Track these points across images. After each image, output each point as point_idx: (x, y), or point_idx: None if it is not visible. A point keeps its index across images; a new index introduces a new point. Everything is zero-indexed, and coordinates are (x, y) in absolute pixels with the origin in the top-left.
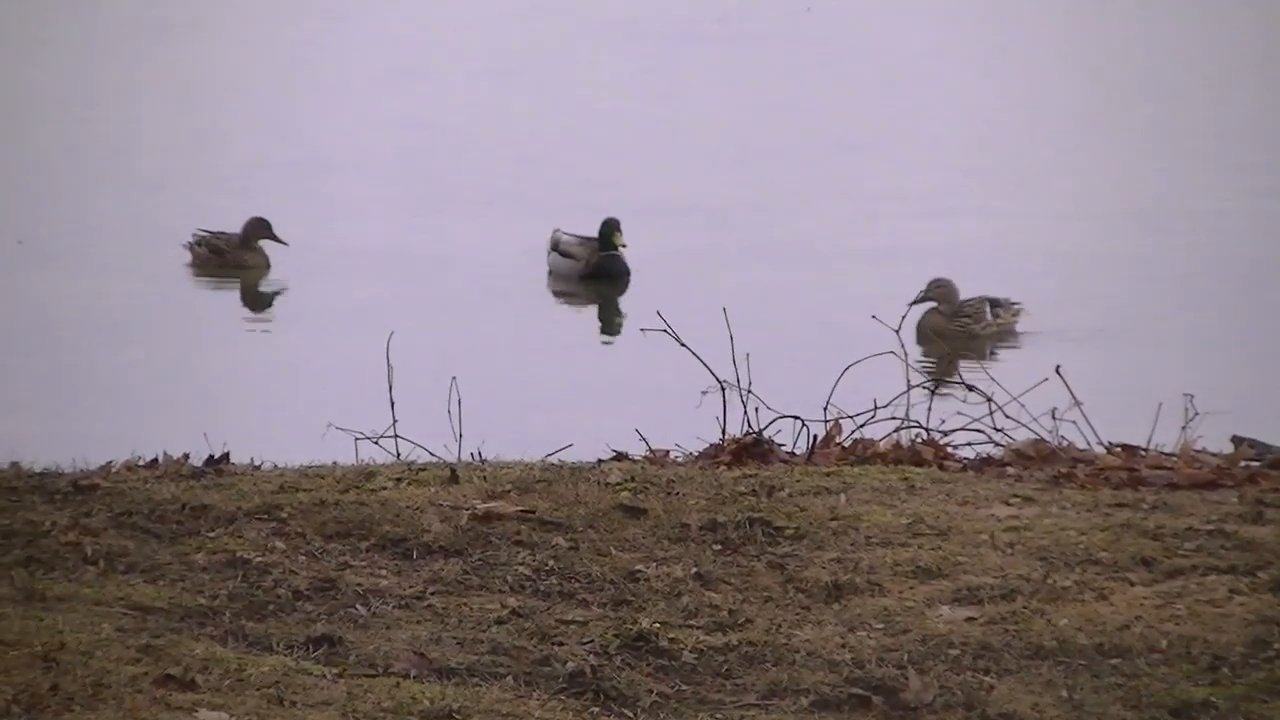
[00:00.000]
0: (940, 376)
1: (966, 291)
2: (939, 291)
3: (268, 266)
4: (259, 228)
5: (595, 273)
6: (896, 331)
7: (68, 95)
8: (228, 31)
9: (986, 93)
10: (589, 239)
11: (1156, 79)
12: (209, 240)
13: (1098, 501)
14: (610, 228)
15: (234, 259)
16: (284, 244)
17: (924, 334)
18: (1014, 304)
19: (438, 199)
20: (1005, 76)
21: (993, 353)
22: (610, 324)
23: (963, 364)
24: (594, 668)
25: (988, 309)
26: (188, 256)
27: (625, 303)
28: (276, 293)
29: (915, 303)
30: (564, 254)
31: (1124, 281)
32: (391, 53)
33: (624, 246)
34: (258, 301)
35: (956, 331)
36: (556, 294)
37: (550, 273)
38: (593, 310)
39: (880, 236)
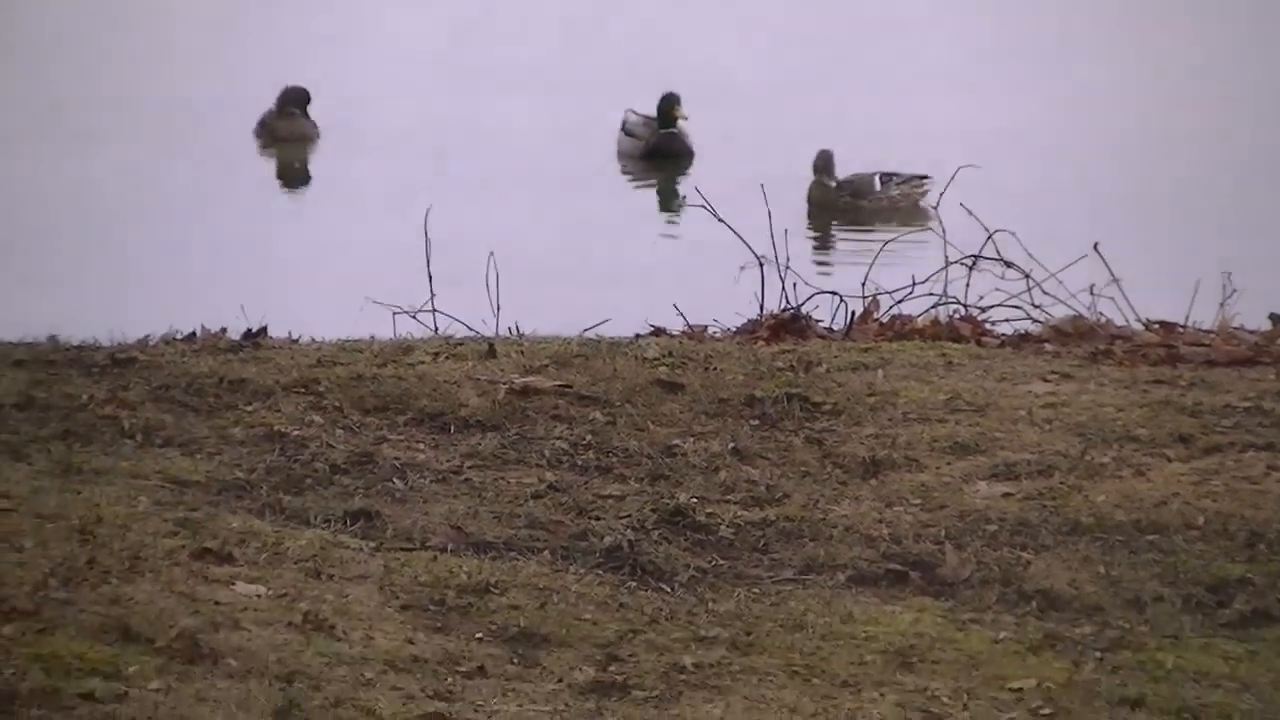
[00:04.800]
0: (979, 254)
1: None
2: (819, 163)
3: (312, 138)
4: (294, 97)
5: (654, 151)
6: (934, 208)
7: None
8: None
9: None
10: (651, 118)
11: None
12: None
13: (1135, 378)
14: (670, 103)
15: (271, 129)
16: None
17: (810, 206)
18: (921, 178)
19: (488, 76)
20: None
21: (881, 225)
22: (668, 203)
23: (842, 235)
24: (631, 542)
25: (876, 181)
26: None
27: (690, 179)
28: (306, 172)
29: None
30: (629, 133)
31: (1167, 159)
32: None
33: (685, 119)
34: (292, 176)
35: (842, 203)
36: (623, 172)
37: (618, 152)
38: (650, 189)
39: (919, 115)
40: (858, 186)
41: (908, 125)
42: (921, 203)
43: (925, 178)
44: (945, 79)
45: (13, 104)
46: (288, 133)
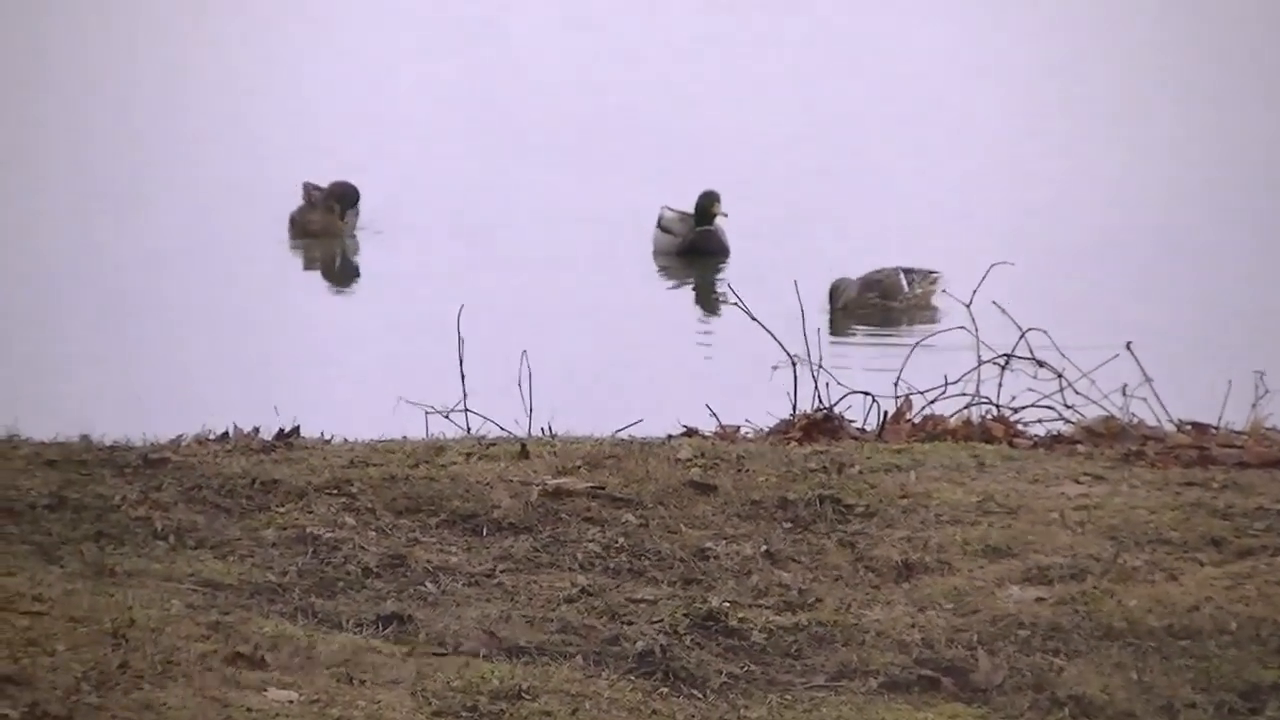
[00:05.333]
0: (1011, 354)
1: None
2: (841, 287)
3: (341, 234)
4: (339, 193)
5: (691, 248)
6: (967, 306)
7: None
8: None
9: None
10: (687, 214)
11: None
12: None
13: (1168, 480)
14: (709, 200)
15: (303, 224)
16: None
17: (838, 307)
18: (930, 273)
19: (513, 165)
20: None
21: (910, 325)
22: (705, 301)
23: (876, 336)
24: (663, 647)
25: (903, 281)
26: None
27: (726, 276)
28: (340, 267)
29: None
30: (665, 229)
31: (1191, 262)
32: (462, 13)
33: (725, 215)
34: (326, 271)
35: (871, 305)
36: (659, 269)
37: (654, 250)
38: (686, 287)
39: (956, 207)
40: (886, 288)
41: (936, 214)
42: (933, 298)
43: (935, 273)
44: (976, 166)
45: (53, 187)
46: (320, 228)
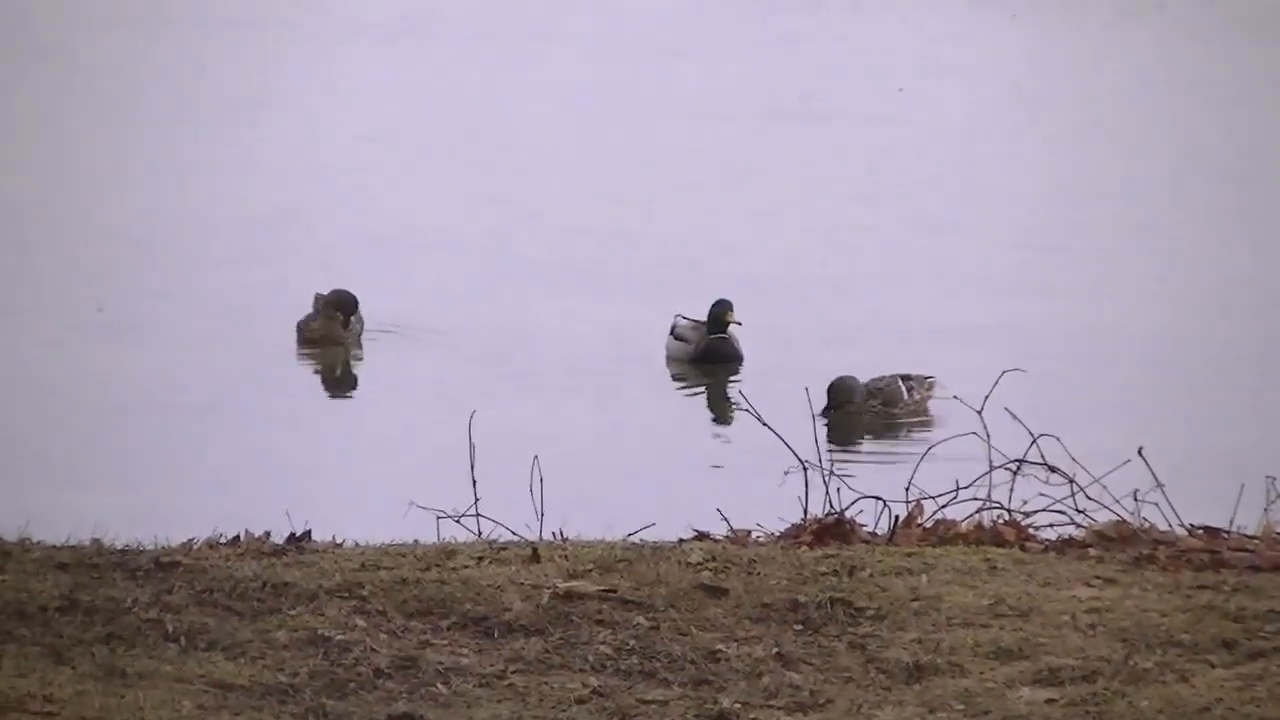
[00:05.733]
0: (1023, 459)
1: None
2: (840, 396)
3: (345, 342)
4: (334, 301)
5: (705, 356)
6: (979, 412)
7: (151, 169)
8: (303, 106)
9: (1075, 170)
10: (700, 323)
11: (1244, 159)
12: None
13: (1179, 583)
14: (722, 309)
15: (306, 332)
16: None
17: (838, 407)
18: (927, 378)
19: (523, 275)
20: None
21: (909, 431)
22: (718, 408)
23: (871, 446)
24: None
25: (903, 390)
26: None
27: (739, 383)
28: (346, 375)
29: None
30: (678, 338)
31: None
32: (473, 126)
33: (738, 324)
34: (331, 380)
35: (872, 413)
36: (674, 377)
37: (667, 357)
38: (699, 395)
39: (964, 315)
40: (887, 395)
41: (942, 320)
42: (929, 403)
43: (931, 378)
44: (987, 274)
45: (60, 306)
46: (322, 335)
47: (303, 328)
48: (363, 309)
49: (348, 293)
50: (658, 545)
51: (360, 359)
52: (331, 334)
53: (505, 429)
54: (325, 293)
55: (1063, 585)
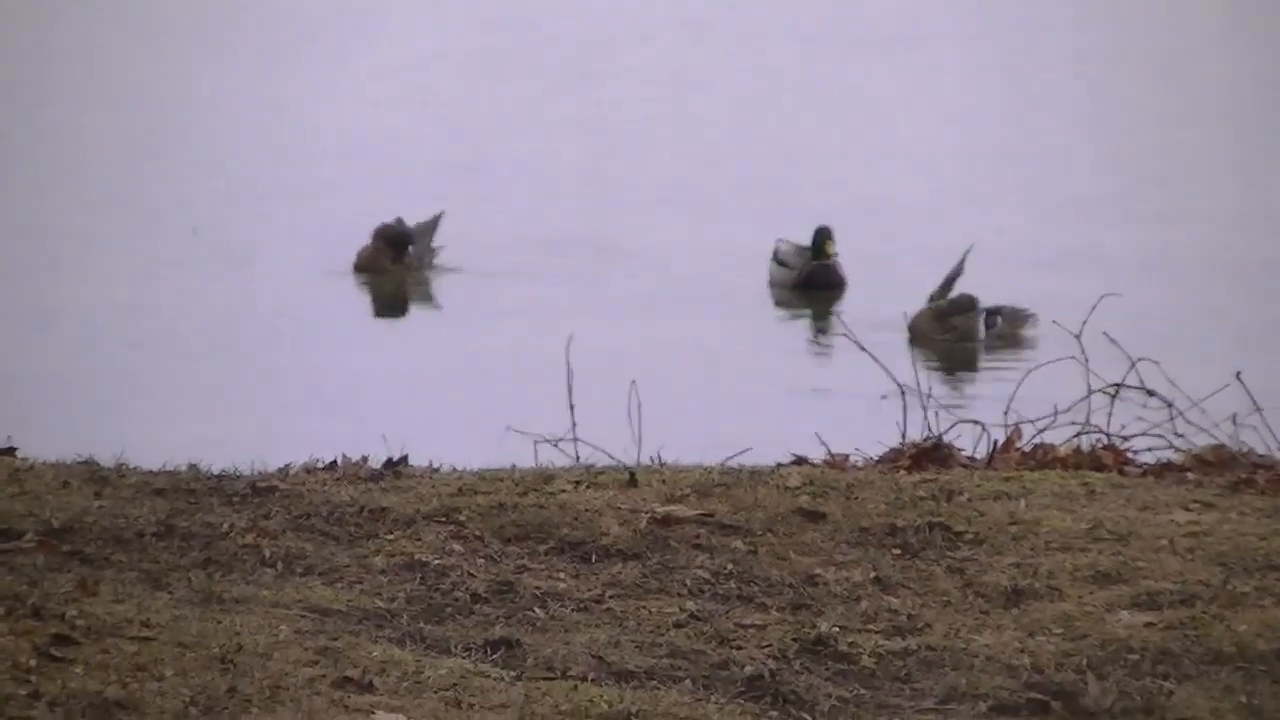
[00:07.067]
0: (1122, 383)
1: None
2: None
3: (405, 272)
4: (385, 234)
5: (807, 282)
6: (1077, 337)
7: (247, 99)
8: (402, 31)
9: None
10: (804, 248)
11: None
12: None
13: (1277, 507)
14: (822, 236)
15: (358, 260)
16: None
17: (914, 334)
18: (1025, 314)
19: (620, 199)
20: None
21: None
22: (819, 334)
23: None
24: (772, 671)
25: (981, 327)
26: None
27: (842, 309)
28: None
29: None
30: (781, 262)
31: None
32: (568, 57)
33: (835, 255)
34: (385, 306)
35: (945, 336)
36: (776, 303)
37: (770, 280)
38: (801, 319)
39: (1061, 239)
40: (964, 331)
41: (1049, 245)
42: (1024, 332)
43: (1028, 314)
44: (1091, 201)
45: (158, 228)
46: (367, 263)
47: (357, 258)
48: (451, 234)
49: (395, 228)
50: (755, 470)
51: (418, 287)
52: (376, 264)
53: (603, 352)
54: (387, 223)
55: (1161, 509)
